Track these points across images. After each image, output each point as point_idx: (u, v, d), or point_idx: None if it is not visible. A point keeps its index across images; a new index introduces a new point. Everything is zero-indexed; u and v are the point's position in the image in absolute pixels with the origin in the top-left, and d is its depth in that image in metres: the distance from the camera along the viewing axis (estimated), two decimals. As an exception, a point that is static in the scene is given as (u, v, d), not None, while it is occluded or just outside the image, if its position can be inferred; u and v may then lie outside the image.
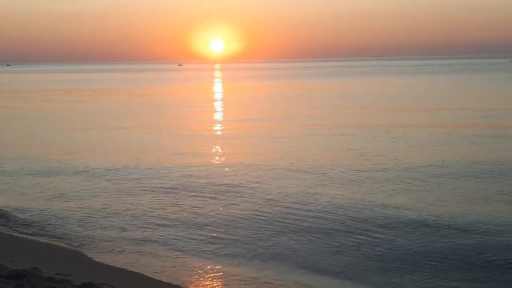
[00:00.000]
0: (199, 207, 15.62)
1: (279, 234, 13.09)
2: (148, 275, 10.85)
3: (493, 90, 62.26)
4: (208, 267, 11.32)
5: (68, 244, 12.84)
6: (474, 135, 27.52)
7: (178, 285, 10.38)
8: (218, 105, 52.22)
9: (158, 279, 10.69)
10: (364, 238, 12.69)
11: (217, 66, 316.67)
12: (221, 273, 10.98)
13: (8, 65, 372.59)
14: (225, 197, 16.53)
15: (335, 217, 14.20)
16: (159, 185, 18.13)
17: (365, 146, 24.79)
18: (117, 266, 11.39)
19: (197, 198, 16.54)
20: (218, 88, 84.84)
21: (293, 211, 14.84)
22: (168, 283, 10.52)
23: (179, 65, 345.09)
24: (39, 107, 50.68)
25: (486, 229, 13.01)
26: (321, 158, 22.28)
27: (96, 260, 11.69)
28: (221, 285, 10.42)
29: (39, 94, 70.53)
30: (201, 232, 13.44)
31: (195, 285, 10.49)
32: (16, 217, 14.98)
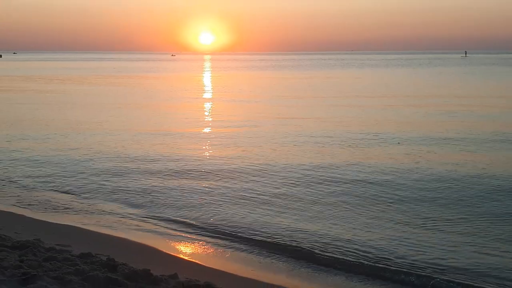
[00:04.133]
0: (197, 185, 15.65)
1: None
2: (147, 244, 10.91)
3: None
4: (202, 240, 11.33)
5: (68, 216, 12.85)
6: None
7: (174, 255, 10.43)
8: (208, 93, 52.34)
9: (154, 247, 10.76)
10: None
11: (207, 57, 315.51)
12: (215, 246, 11.07)
13: (14, 53, 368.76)
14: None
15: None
16: (163, 167, 17.93)
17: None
18: (115, 235, 11.42)
19: (192, 177, 16.56)
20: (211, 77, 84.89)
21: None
22: (161, 251, 10.55)
23: (172, 55, 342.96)
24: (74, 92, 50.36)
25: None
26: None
27: (95, 231, 11.69)
28: (213, 255, 10.50)
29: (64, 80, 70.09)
30: (199, 210, 13.46)
31: (190, 256, 10.53)
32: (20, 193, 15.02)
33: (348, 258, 10.08)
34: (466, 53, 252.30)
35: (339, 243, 10.79)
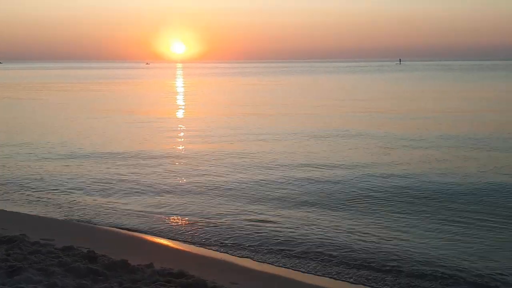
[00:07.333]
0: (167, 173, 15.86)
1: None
2: (127, 235, 10.90)
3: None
4: (179, 230, 11.30)
5: (54, 213, 12.67)
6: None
7: (152, 243, 10.43)
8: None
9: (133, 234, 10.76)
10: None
11: (179, 65, 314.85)
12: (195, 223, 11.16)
13: (0, 62, 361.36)
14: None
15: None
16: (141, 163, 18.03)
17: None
18: (96, 227, 11.36)
19: (169, 165, 16.72)
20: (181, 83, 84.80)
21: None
22: (140, 241, 10.51)
23: (147, 63, 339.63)
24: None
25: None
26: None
27: (77, 223, 11.67)
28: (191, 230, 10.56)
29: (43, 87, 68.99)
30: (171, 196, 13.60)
31: (166, 245, 10.52)
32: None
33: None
34: (400, 61, 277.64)
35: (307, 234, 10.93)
